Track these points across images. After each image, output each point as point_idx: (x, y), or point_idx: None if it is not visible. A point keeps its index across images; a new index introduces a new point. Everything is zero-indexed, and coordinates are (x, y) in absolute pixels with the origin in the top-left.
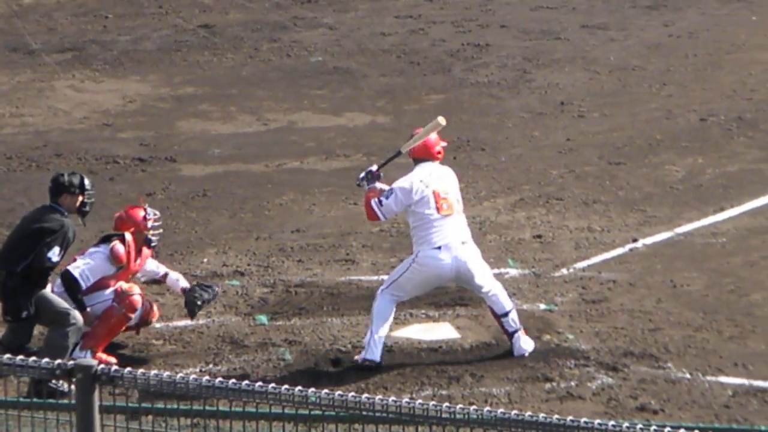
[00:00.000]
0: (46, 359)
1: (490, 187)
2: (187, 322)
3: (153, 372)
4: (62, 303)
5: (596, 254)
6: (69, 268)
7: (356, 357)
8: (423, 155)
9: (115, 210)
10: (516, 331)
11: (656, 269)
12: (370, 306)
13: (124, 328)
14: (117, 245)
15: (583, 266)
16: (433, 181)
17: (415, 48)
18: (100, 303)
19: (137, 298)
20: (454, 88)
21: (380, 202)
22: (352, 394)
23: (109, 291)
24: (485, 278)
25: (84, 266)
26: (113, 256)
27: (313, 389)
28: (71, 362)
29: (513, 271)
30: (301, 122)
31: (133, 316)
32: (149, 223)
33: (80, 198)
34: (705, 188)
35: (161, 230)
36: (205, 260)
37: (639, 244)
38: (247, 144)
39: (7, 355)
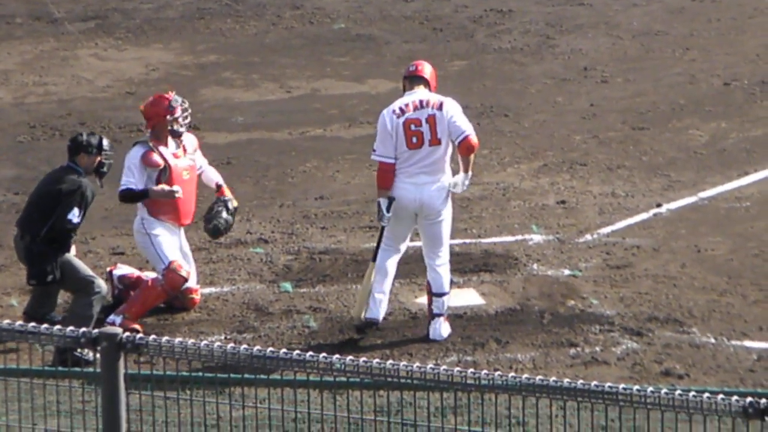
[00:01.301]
0: (70, 327)
1: (513, 153)
2: (212, 289)
3: (178, 340)
4: (87, 270)
5: (620, 219)
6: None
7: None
8: (414, 74)
9: None
10: (440, 315)
11: (680, 234)
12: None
13: (160, 302)
14: (149, 154)
15: (607, 232)
16: (410, 110)
17: (438, 14)
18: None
19: (179, 280)
20: (477, 55)
21: (374, 151)
22: (377, 360)
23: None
24: (445, 238)
25: (123, 178)
26: (147, 164)
27: (337, 356)
28: (96, 330)
29: (537, 237)
30: (324, 89)
31: (171, 292)
32: (176, 112)
33: (98, 158)
34: (729, 153)
35: (188, 119)
36: None
37: (663, 209)
38: (270, 112)
39: (32, 324)
